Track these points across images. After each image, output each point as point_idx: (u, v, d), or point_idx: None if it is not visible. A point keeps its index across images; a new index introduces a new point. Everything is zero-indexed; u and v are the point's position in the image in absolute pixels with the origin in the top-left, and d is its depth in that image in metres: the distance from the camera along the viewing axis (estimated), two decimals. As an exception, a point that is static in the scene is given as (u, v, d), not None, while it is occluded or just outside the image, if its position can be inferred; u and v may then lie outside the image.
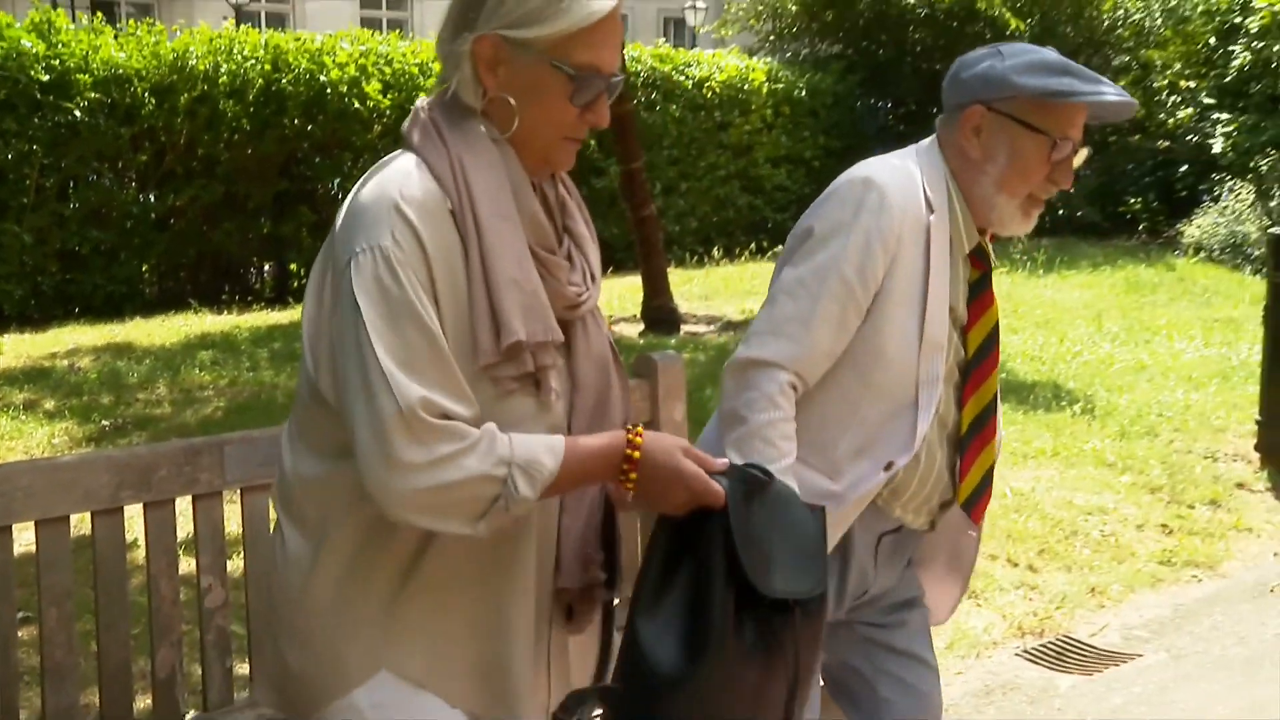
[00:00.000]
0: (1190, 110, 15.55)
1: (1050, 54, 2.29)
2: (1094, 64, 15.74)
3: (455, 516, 1.65)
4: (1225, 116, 14.65)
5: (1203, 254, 13.59)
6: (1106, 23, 16.02)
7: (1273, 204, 13.31)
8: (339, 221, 1.72)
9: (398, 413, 1.60)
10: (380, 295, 1.63)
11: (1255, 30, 14.58)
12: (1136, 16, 15.50)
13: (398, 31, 14.71)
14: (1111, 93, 2.25)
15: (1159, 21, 15.60)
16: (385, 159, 1.77)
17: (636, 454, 1.73)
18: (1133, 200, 15.62)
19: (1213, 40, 15.67)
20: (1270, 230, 8.00)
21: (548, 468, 1.67)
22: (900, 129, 17.55)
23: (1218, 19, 15.62)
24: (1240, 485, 5.88)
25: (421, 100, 1.82)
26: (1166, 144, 15.75)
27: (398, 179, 1.69)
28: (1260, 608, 4.54)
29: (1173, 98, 15.90)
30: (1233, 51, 15.15)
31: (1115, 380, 7.77)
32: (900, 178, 2.29)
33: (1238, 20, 15.23)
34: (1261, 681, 3.96)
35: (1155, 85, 15.97)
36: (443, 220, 1.69)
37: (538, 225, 1.79)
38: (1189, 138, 15.40)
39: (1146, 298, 11.17)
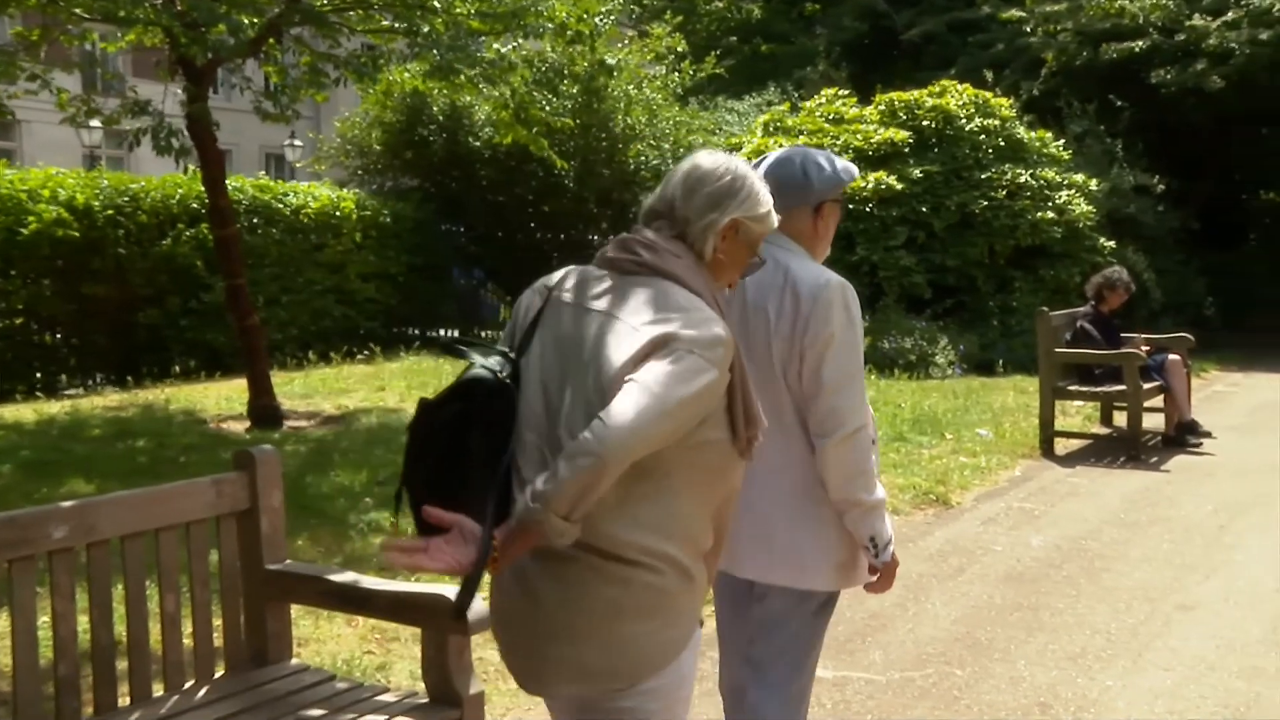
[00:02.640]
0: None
1: (828, 151, 2.81)
2: (624, 200, 16.70)
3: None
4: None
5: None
6: (633, 166, 17.08)
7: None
8: (664, 321, 2.00)
9: (642, 441, 1.90)
10: (690, 375, 1.95)
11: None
12: (654, 162, 16.66)
13: (4, 161, 13.37)
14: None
15: (672, 168, 16.78)
16: (640, 283, 2.10)
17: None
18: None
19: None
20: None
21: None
22: (472, 248, 17.94)
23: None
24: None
25: (654, 237, 2.17)
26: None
27: (703, 308, 2.06)
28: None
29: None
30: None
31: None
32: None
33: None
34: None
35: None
36: (731, 340, 2.05)
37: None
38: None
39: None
